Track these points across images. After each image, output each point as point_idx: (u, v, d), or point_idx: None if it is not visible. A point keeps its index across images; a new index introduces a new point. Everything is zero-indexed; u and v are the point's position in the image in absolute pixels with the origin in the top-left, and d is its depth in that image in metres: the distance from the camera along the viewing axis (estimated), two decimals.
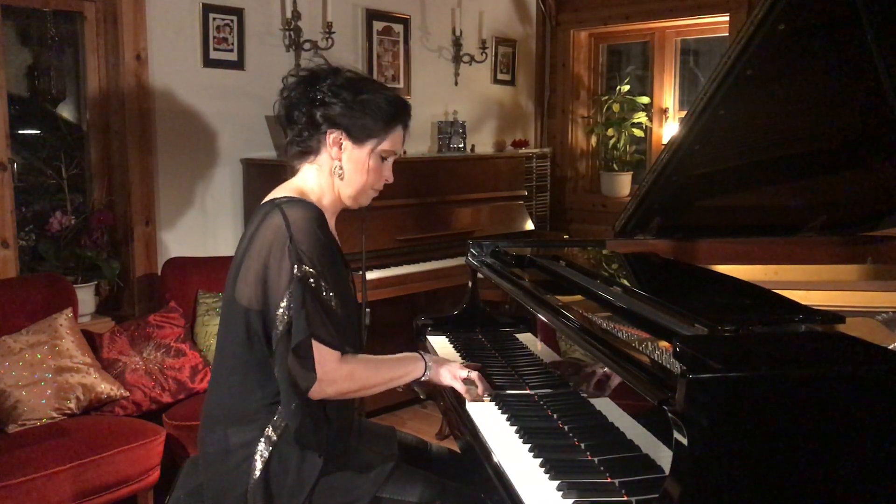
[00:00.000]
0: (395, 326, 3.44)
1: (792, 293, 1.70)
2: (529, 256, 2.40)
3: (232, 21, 3.76)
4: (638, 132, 5.08)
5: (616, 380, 1.65)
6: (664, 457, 1.39)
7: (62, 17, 3.49)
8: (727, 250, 2.47)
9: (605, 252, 2.52)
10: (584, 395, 1.81)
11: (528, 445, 1.65)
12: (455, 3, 4.67)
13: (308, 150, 1.83)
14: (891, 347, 1.56)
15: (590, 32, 5.42)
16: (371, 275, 3.67)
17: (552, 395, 1.93)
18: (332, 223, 1.86)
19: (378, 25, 4.40)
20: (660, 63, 5.13)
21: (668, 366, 1.34)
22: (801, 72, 2.14)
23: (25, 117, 3.49)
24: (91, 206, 3.57)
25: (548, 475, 1.50)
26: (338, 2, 4.07)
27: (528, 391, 1.99)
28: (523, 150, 5.07)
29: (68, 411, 2.84)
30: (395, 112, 1.83)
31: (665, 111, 5.12)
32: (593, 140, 5.46)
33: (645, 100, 5.09)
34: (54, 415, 2.81)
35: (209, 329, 3.32)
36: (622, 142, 5.15)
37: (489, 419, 1.81)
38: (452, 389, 1.91)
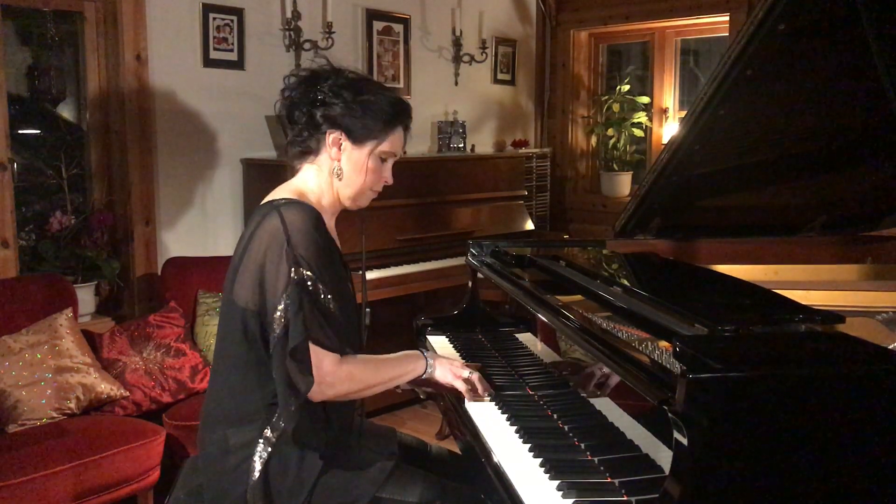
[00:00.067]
0: (395, 326, 3.44)
1: (792, 293, 1.70)
2: (529, 256, 2.40)
3: (232, 21, 3.76)
4: (638, 132, 5.08)
5: (615, 379, 1.65)
6: (664, 457, 1.39)
7: (62, 17, 3.49)
8: (727, 250, 2.47)
9: (605, 252, 2.52)
10: (584, 395, 1.81)
11: (528, 445, 1.65)
12: (455, 3, 4.67)
13: (308, 151, 1.83)
14: (891, 347, 1.56)
15: (590, 32, 5.42)
16: (371, 275, 3.68)
17: (552, 395, 1.93)
18: (331, 224, 1.86)
19: (378, 25, 4.40)
20: (660, 63, 5.13)
21: (668, 366, 1.34)
22: (801, 72, 2.14)
23: (25, 117, 3.49)
24: (91, 206, 3.57)
25: (548, 475, 1.50)
26: (338, 2, 4.07)
27: (528, 391, 1.99)
28: (523, 150, 5.07)
29: (68, 411, 2.84)
30: (396, 113, 1.83)
31: (665, 111, 5.12)
32: (593, 140, 5.46)
33: (645, 100, 5.09)
34: (54, 415, 2.81)
35: (209, 329, 3.32)
36: (622, 142, 5.15)
37: (489, 419, 1.81)
38: (452, 389, 1.91)
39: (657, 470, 1.44)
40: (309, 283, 1.65)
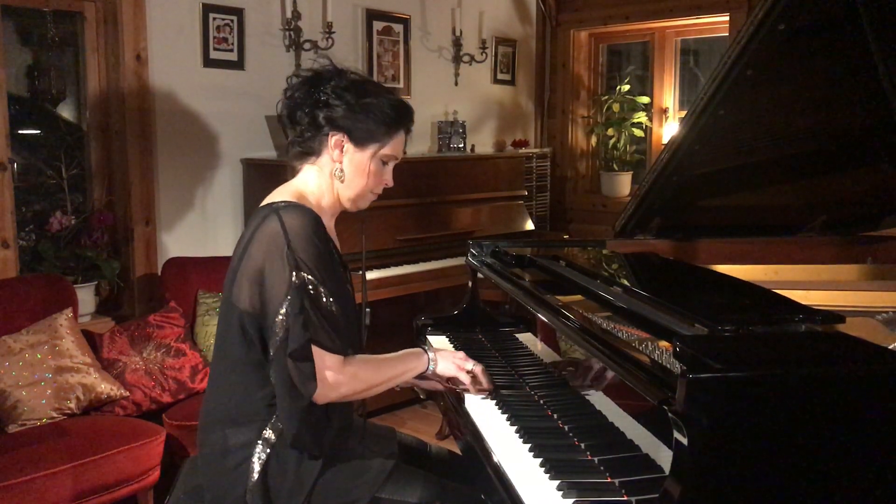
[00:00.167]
0: (396, 326, 3.44)
1: (792, 293, 1.70)
2: (529, 256, 2.40)
3: (232, 21, 3.76)
4: (638, 132, 5.08)
5: (610, 373, 1.65)
6: (664, 457, 1.39)
7: (62, 17, 3.49)
8: (727, 250, 2.47)
9: (605, 252, 2.52)
10: (582, 391, 1.81)
11: (528, 445, 1.65)
12: (455, 3, 4.67)
13: (309, 151, 1.82)
14: (891, 347, 1.56)
15: (590, 32, 5.42)
16: (371, 275, 3.68)
17: (552, 395, 1.93)
18: (331, 225, 1.86)
19: (378, 25, 4.40)
20: (660, 63, 5.13)
21: (668, 366, 1.35)
22: (801, 72, 2.14)
23: (25, 117, 3.49)
24: (91, 206, 3.57)
25: (548, 475, 1.50)
26: (338, 2, 4.07)
27: (528, 391, 1.99)
28: (523, 150, 5.07)
29: (68, 411, 2.84)
30: (398, 116, 1.82)
31: (665, 111, 5.12)
32: (593, 140, 5.46)
33: (645, 100, 5.09)
34: (54, 415, 2.81)
35: (209, 329, 3.32)
36: (622, 142, 5.15)
37: (489, 419, 1.81)
38: (456, 383, 1.91)
39: (657, 470, 1.44)
40: (310, 286, 1.65)
